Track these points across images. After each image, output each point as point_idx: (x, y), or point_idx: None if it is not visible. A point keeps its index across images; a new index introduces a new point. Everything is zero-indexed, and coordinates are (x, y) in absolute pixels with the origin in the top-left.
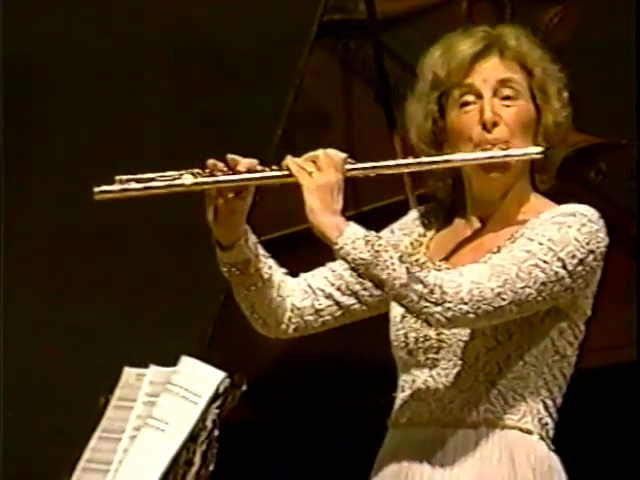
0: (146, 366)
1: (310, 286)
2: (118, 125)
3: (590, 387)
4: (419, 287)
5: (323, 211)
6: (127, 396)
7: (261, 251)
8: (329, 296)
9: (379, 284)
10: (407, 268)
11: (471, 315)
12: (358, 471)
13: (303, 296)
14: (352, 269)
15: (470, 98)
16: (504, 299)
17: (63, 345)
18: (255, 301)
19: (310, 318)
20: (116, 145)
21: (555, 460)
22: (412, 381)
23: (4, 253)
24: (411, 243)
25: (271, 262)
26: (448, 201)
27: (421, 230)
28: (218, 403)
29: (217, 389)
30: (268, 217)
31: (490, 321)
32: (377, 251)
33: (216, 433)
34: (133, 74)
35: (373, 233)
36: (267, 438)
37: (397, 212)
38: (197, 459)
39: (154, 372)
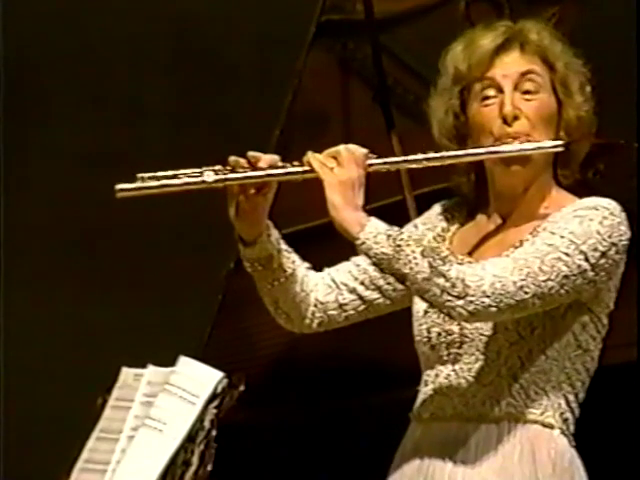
0: (144, 366)
1: (334, 281)
2: (118, 125)
3: (589, 387)
4: (441, 281)
5: (345, 207)
6: (125, 396)
7: (284, 246)
8: (353, 290)
9: (401, 278)
10: (429, 262)
11: (493, 308)
12: (358, 471)
13: (327, 291)
14: (374, 264)
15: (491, 92)
16: (527, 292)
17: (61, 345)
18: (279, 296)
19: (334, 313)
20: (116, 144)
21: (575, 455)
22: (435, 376)
23: (3, 252)
24: (434, 238)
25: (294, 257)
26: (471, 196)
27: (444, 225)
28: (216, 403)
29: (215, 389)
30: (287, 211)
31: (513, 314)
32: (399, 245)
33: (214, 433)
34: (133, 74)
35: (395, 228)
36: (265, 438)
37: (395, 213)
38: (195, 459)
39: (152, 372)
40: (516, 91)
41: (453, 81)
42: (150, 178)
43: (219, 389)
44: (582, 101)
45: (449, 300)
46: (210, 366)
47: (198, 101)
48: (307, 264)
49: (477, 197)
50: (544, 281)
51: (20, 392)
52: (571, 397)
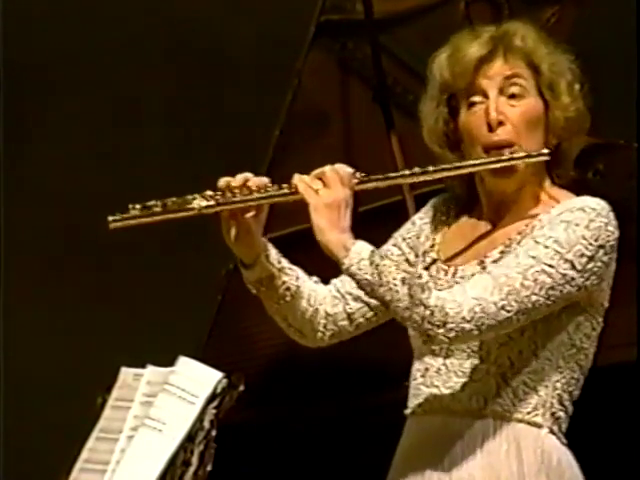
0: (143, 366)
1: (339, 291)
2: (117, 125)
3: (589, 387)
4: (421, 310)
5: (330, 230)
6: (124, 396)
7: (285, 264)
8: (357, 298)
9: (384, 304)
10: (408, 291)
11: (475, 332)
12: (358, 471)
13: (334, 302)
14: (359, 288)
15: (477, 98)
16: (508, 311)
17: (61, 345)
18: (287, 313)
19: (344, 323)
20: (115, 144)
21: (566, 454)
22: (425, 369)
23: (4, 253)
24: (431, 231)
25: (297, 273)
26: (465, 194)
27: (441, 218)
28: (215, 403)
29: (214, 389)
30: (288, 211)
31: (498, 332)
32: (380, 272)
33: (213, 433)
34: (133, 74)
35: (379, 252)
36: (264, 438)
37: (394, 213)
38: (194, 459)
39: (151, 372)
40: (501, 95)
41: (440, 89)
42: (142, 208)
43: (219, 389)
44: (570, 101)
45: (429, 328)
46: (209, 366)
47: (198, 101)
48: (315, 277)
49: (470, 195)
50: (527, 296)
51: (20, 392)
52: (565, 395)
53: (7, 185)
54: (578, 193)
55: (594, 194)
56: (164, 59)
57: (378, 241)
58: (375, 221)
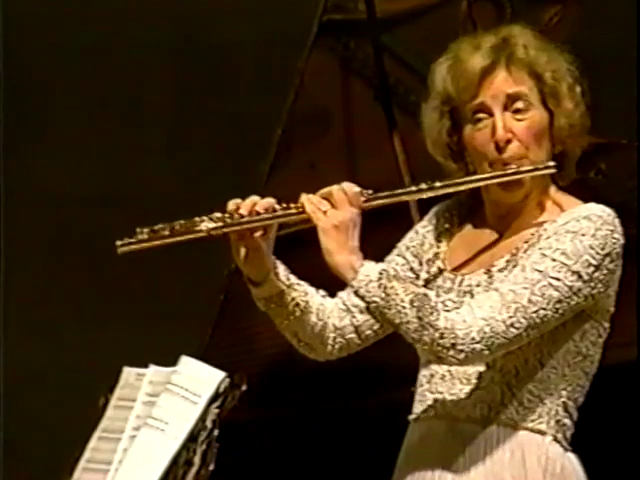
0: (146, 366)
1: (345, 304)
2: (118, 125)
3: (589, 387)
4: (430, 332)
5: (338, 252)
6: (127, 396)
7: (294, 280)
8: (364, 311)
9: (394, 327)
10: (417, 314)
11: (485, 351)
12: (358, 472)
13: (341, 315)
14: (369, 311)
15: (482, 115)
16: (518, 328)
17: (63, 345)
18: (297, 329)
19: (352, 336)
20: (116, 144)
21: (571, 461)
22: (430, 376)
23: (4, 253)
24: (435, 240)
25: (306, 288)
26: (469, 199)
27: (445, 226)
28: (218, 403)
29: (217, 389)
30: None
31: (508, 349)
32: (388, 294)
33: (216, 433)
34: (133, 74)
35: (387, 273)
36: (266, 438)
37: (395, 215)
38: (197, 459)
39: (154, 372)
40: (506, 111)
41: (442, 102)
42: (150, 232)
43: (221, 389)
44: (573, 107)
45: (439, 350)
46: (212, 366)
47: (200, 101)
48: (322, 291)
49: (475, 199)
50: (535, 312)
51: (22, 391)
52: (570, 403)
53: (7, 185)
54: (579, 193)
55: (596, 193)
56: (165, 59)
57: (383, 242)
58: (374, 223)
